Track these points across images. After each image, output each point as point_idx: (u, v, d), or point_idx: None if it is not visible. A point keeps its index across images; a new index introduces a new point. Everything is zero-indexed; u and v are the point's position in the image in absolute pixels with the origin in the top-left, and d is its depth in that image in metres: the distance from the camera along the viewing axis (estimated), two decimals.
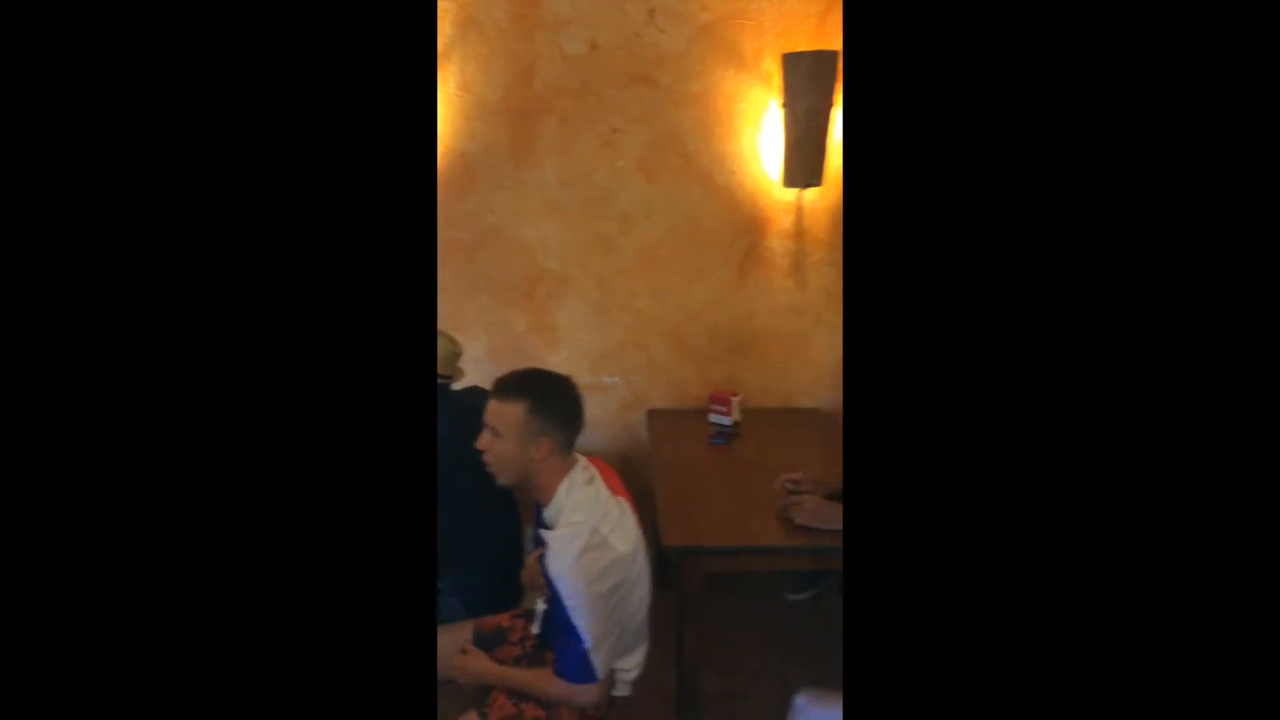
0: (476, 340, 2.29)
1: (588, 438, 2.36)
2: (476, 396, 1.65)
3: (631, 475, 2.31)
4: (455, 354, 1.66)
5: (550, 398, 1.17)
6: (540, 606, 1.34)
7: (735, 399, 2.11)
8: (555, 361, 2.30)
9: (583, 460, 1.24)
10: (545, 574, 1.16)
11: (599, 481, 1.23)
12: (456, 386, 1.71)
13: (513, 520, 1.68)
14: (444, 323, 1.71)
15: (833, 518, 1.44)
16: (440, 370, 1.62)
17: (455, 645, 1.35)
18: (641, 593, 1.24)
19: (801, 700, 1.21)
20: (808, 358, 2.34)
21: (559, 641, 1.15)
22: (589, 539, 1.13)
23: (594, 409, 2.34)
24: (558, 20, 2.08)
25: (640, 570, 1.23)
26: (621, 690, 1.27)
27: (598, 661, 1.11)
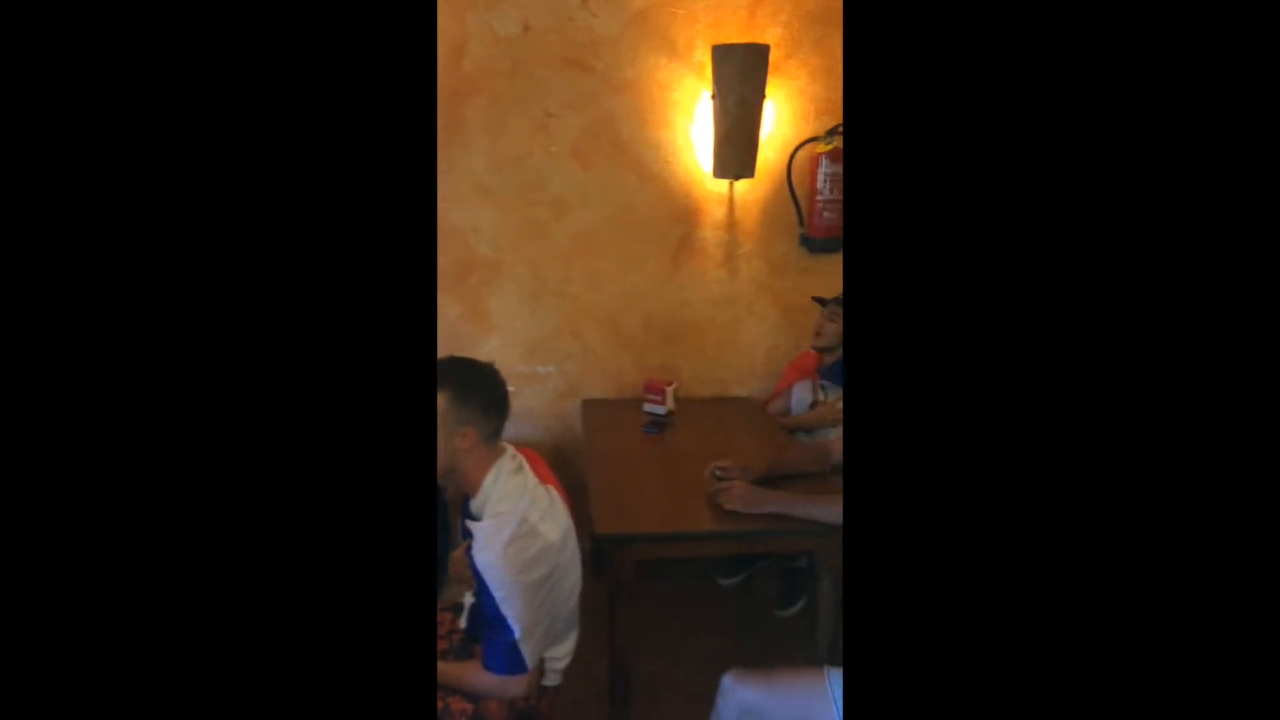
0: None
1: (521, 428, 2.34)
2: None
3: (566, 465, 2.30)
4: None
5: (473, 386, 1.15)
6: (468, 600, 1.31)
7: (670, 388, 2.12)
8: (488, 349, 2.26)
9: (510, 449, 1.22)
10: (472, 566, 1.14)
11: (527, 469, 1.22)
12: None
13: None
14: None
15: (760, 503, 1.47)
16: None
17: None
18: (572, 580, 1.23)
19: (728, 681, 1.24)
20: (740, 347, 2.38)
21: (487, 633, 1.13)
22: (517, 527, 1.11)
23: (529, 399, 2.32)
24: (490, 0, 2.02)
25: (571, 558, 1.22)
26: (552, 679, 1.26)
27: (527, 651, 1.10)
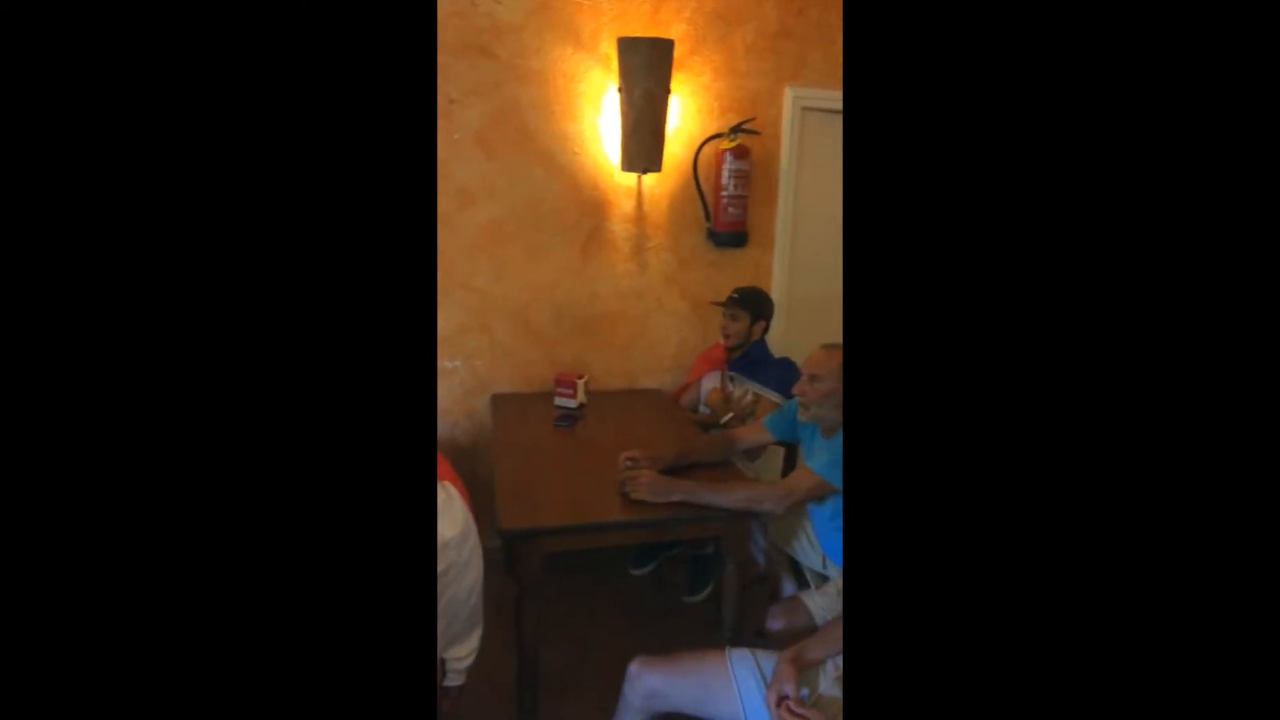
0: None
1: None
2: None
3: (475, 462, 2.25)
4: None
5: None
6: None
7: (580, 381, 2.12)
8: None
9: None
10: None
11: None
12: None
13: None
14: None
15: (668, 492, 1.49)
16: None
17: None
18: (471, 579, 1.21)
19: (634, 668, 1.25)
20: (649, 340, 2.40)
21: None
22: None
23: (437, 394, 2.25)
24: None
25: (470, 555, 1.20)
26: (454, 679, 1.23)
27: None
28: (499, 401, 2.20)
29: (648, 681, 1.23)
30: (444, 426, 2.28)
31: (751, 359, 2.06)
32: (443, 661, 1.18)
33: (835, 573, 1.60)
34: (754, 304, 2.04)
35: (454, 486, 1.22)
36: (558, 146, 2.17)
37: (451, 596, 1.14)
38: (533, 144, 2.15)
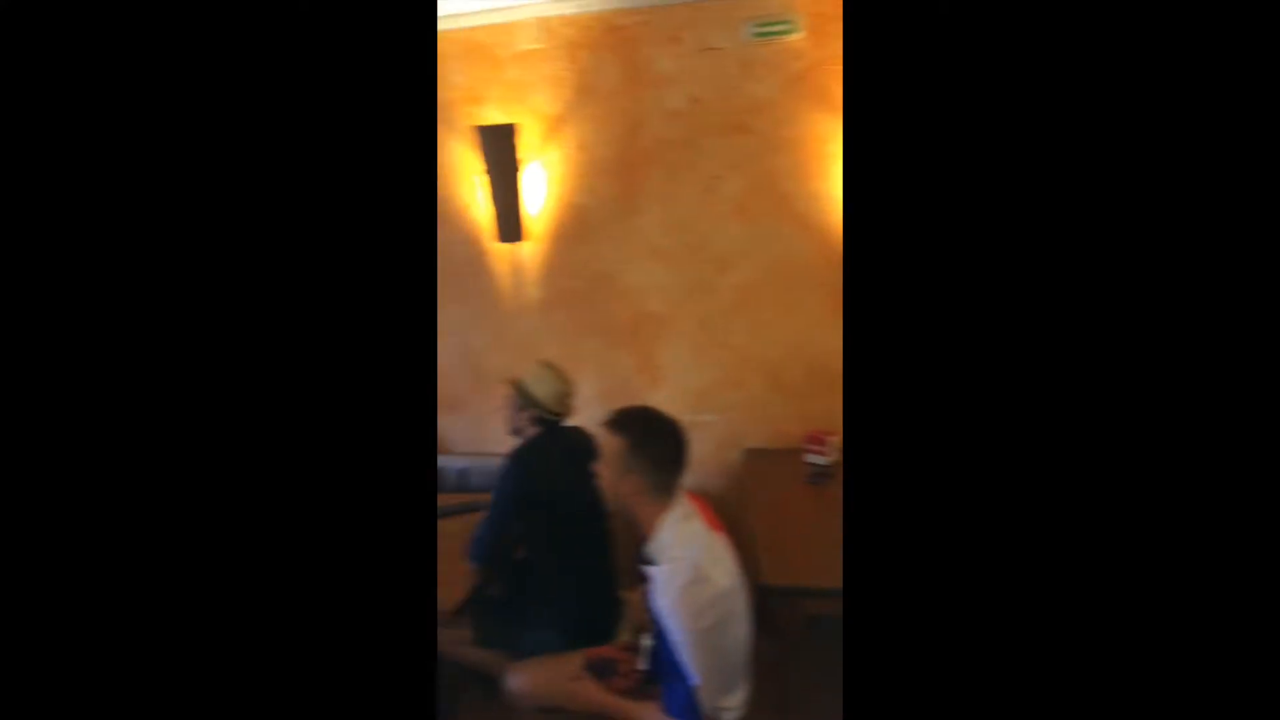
0: (588, 381, 2.42)
1: (687, 475, 2.41)
2: (578, 436, 1.75)
3: (727, 514, 2.34)
4: (565, 393, 1.77)
5: (650, 439, 1.24)
6: (647, 642, 1.40)
7: (831, 439, 2.11)
8: (658, 399, 2.39)
9: (682, 496, 1.30)
10: (651, 609, 1.22)
11: (697, 518, 1.28)
12: (565, 424, 1.82)
13: (603, 554, 1.74)
14: (559, 364, 1.84)
15: None
16: (552, 408, 1.73)
17: (567, 673, 1.43)
18: (741, 630, 1.27)
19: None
20: None
21: (667, 678, 1.20)
22: (691, 574, 1.17)
23: (694, 446, 2.40)
24: (662, 79, 2.21)
25: (740, 606, 1.26)
26: None
27: (704, 699, 1.15)
28: (752, 456, 2.28)
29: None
30: (698, 478, 2.42)
31: None
32: (717, 710, 1.25)
33: None
34: None
35: (723, 537, 1.31)
36: (811, 207, 2.23)
37: (724, 646, 1.22)
38: (788, 207, 2.24)
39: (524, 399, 1.73)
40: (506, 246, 2.40)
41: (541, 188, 2.36)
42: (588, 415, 2.05)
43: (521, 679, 1.50)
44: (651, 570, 1.22)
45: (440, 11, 2.21)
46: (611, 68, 2.22)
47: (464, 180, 2.39)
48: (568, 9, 2.20)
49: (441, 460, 2.47)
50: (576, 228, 2.36)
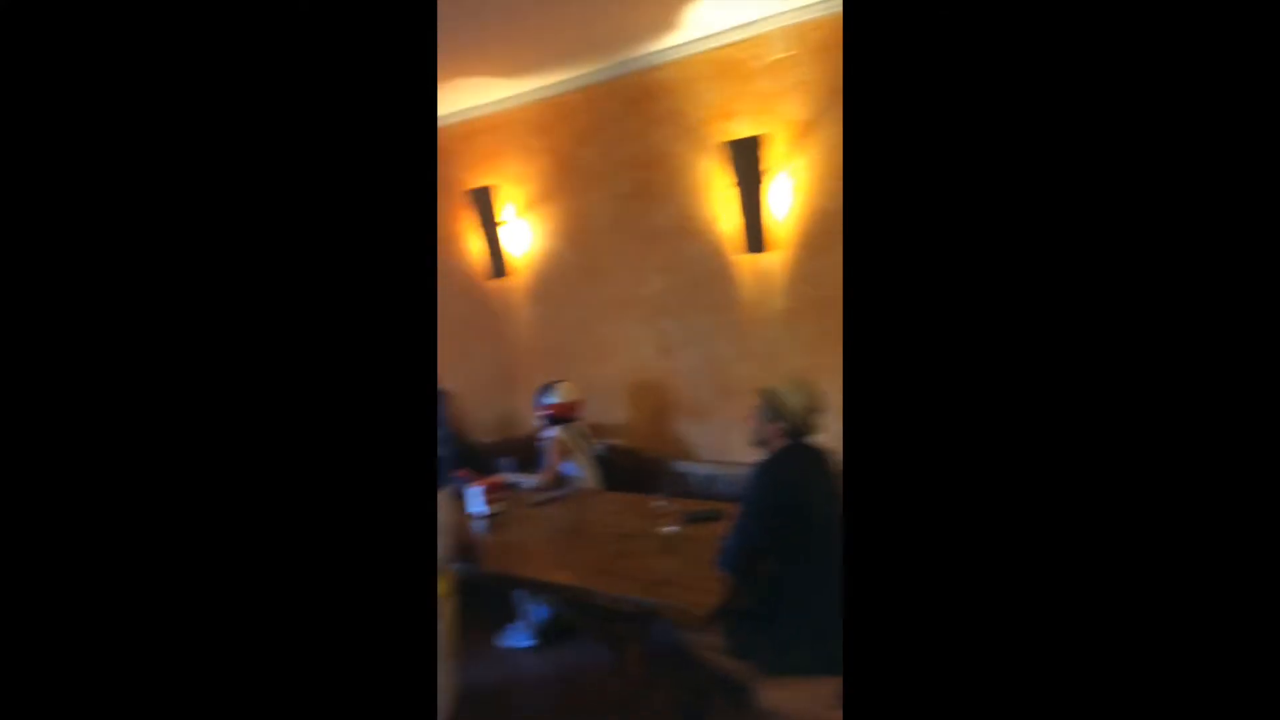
0: (833, 392, 2.33)
1: None
2: (825, 455, 1.68)
3: None
4: (816, 409, 1.71)
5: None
6: None
7: None
8: None
9: None
10: None
11: None
12: (812, 441, 1.75)
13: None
14: (805, 375, 1.79)
15: None
16: (803, 423, 1.69)
17: (824, 700, 1.38)
18: None
19: None
20: None
21: None
22: None
23: None
24: None
25: None
26: None
27: None
28: None
29: None
30: None
31: None
32: None
33: None
34: None
35: None
36: None
37: None
38: None
39: (775, 411, 1.71)
40: (751, 256, 2.41)
41: (788, 196, 2.33)
42: (832, 428, 1.96)
43: (776, 698, 1.48)
44: None
45: (693, 34, 2.29)
46: None
47: (714, 194, 2.45)
48: (818, 13, 2.15)
49: (685, 466, 2.56)
50: (825, 235, 2.29)
